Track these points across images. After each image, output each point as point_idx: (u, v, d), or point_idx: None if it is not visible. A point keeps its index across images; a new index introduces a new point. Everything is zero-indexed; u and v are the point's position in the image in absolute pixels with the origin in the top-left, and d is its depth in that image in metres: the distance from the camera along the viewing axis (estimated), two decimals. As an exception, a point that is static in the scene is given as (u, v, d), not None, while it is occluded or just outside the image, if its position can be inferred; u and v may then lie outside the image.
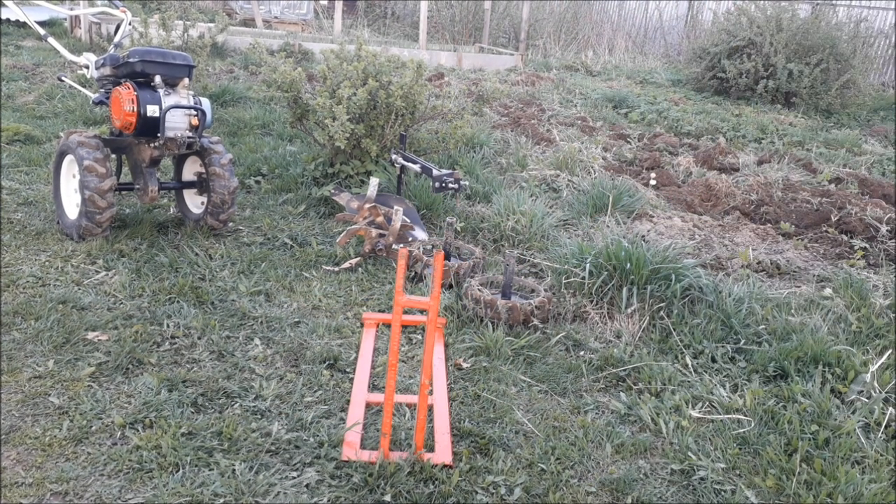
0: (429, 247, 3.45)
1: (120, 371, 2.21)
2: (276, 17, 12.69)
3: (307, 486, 1.78)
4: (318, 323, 2.66)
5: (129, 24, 3.72)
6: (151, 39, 5.99)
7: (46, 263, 2.93)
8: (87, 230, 3.12)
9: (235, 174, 3.47)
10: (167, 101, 3.13)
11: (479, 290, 2.85)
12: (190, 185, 3.56)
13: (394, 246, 3.33)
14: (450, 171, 3.43)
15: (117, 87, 3.16)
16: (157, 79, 3.13)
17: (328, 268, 3.20)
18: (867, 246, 3.93)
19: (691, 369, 2.55)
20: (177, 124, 3.17)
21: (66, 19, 8.71)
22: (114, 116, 3.19)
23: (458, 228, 3.73)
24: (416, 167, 3.57)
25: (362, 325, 2.71)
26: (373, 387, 2.30)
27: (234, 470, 1.79)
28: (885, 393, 2.40)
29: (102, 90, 3.38)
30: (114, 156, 3.40)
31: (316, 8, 13.35)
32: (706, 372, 2.54)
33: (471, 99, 4.65)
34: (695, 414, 2.28)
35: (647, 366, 2.52)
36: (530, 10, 11.32)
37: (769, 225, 4.26)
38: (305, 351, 2.46)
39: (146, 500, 1.67)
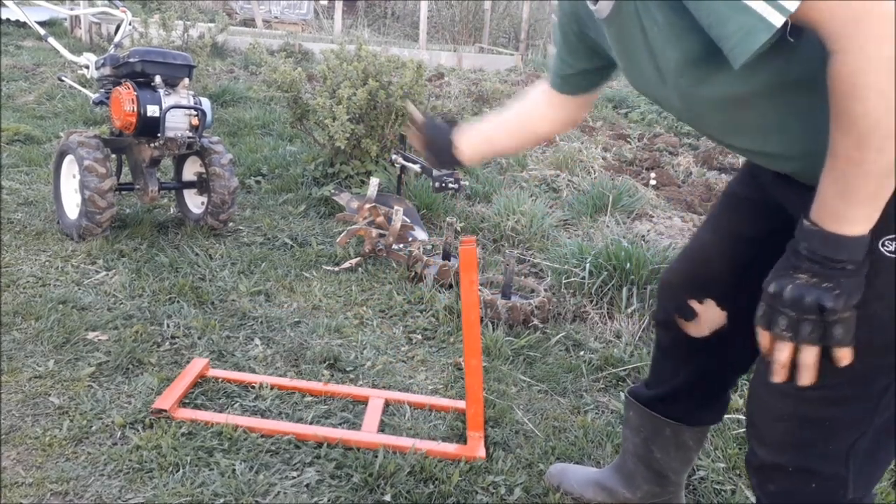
0: (429, 247, 3.45)
1: (120, 371, 2.21)
2: (276, 17, 12.70)
3: (307, 486, 1.78)
4: (318, 323, 2.66)
5: (130, 24, 3.72)
6: (151, 39, 6.00)
7: (46, 263, 2.93)
8: (87, 230, 3.12)
9: (235, 174, 3.47)
10: (167, 101, 3.14)
11: (478, 289, 2.85)
12: (190, 185, 3.56)
13: (394, 246, 3.33)
14: (450, 171, 3.43)
15: (117, 87, 3.16)
16: (158, 79, 3.13)
17: (328, 268, 3.21)
18: (867, 246, 3.93)
19: (691, 369, 2.55)
20: (177, 124, 3.18)
21: (66, 19, 8.72)
22: (114, 116, 3.19)
23: (458, 228, 3.73)
24: (416, 167, 3.57)
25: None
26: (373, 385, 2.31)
27: (234, 470, 1.79)
28: (885, 393, 2.40)
29: (102, 90, 3.38)
30: (114, 156, 3.41)
31: (316, 8, 13.35)
32: (706, 372, 2.54)
33: (471, 99, 4.65)
34: (695, 414, 2.27)
35: (648, 366, 2.52)
36: (530, 10, 11.32)
37: (769, 225, 4.26)
38: (305, 351, 2.46)
39: (146, 500, 1.67)
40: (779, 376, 0.99)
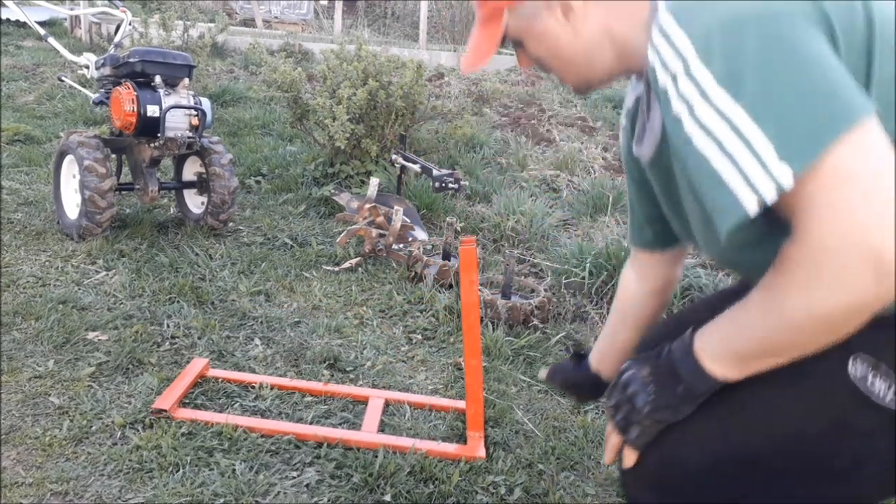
0: (429, 247, 3.45)
1: (120, 371, 2.21)
2: (276, 17, 12.69)
3: (307, 486, 1.78)
4: (318, 323, 2.66)
5: (130, 24, 3.72)
6: (151, 39, 6.00)
7: (46, 263, 2.93)
8: (88, 230, 3.12)
9: (235, 174, 3.47)
10: (167, 101, 3.14)
11: (479, 290, 2.85)
12: (190, 185, 3.56)
13: (394, 246, 3.33)
14: (450, 171, 3.43)
15: (117, 87, 3.16)
16: (158, 79, 3.13)
17: (328, 268, 3.21)
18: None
19: (691, 369, 2.54)
20: (177, 124, 3.18)
21: (66, 19, 8.71)
22: (114, 116, 3.19)
23: (458, 228, 3.73)
24: (416, 167, 3.57)
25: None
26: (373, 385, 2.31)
27: (234, 470, 1.79)
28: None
29: (102, 90, 3.38)
30: (114, 156, 3.41)
31: (316, 8, 13.35)
32: (706, 372, 2.54)
33: (471, 99, 4.65)
34: (695, 414, 2.27)
35: (647, 366, 2.52)
36: (530, 10, 11.30)
37: (769, 225, 4.26)
38: (305, 351, 2.46)
39: (146, 500, 1.67)
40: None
